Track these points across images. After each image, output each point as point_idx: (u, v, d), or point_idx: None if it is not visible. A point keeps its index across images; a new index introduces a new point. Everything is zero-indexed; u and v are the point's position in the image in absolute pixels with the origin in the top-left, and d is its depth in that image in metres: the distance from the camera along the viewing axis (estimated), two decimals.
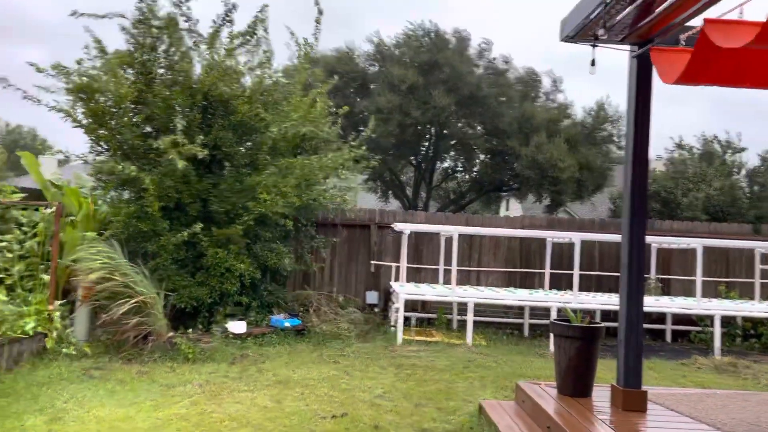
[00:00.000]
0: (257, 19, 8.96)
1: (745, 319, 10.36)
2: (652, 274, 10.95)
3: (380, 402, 5.90)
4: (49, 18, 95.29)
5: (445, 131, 23.25)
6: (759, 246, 10.42)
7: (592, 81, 14.43)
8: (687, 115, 79.00)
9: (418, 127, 22.43)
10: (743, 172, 27.12)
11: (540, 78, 24.42)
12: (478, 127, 23.69)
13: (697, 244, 9.79)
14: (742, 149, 27.83)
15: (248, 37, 8.93)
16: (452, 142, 24.04)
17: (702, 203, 21.65)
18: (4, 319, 6.24)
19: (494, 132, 22.86)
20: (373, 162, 10.58)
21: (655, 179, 29.72)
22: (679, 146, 31.82)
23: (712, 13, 4.06)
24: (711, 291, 11.01)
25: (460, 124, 23.36)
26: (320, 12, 9.41)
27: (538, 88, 24.50)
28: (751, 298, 10.62)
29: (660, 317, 10.76)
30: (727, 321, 10.16)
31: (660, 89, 4.69)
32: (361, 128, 23.13)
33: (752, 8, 3.76)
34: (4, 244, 7.30)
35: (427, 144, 25.06)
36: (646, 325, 10.52)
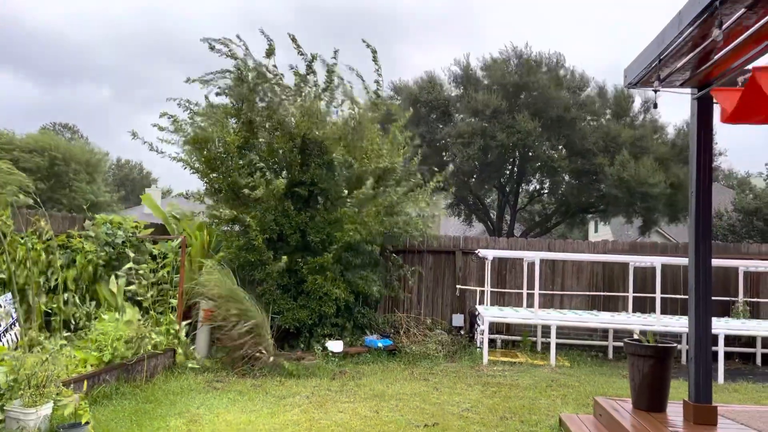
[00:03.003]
0: (331, 72, 9.70)
1: None
2: (740, 297, 10.89)
3: (468, 414, 6.50)
4: (108, 58, 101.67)
5: (530, 153, 23.42)
6: None
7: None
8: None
9: (502, 151, 22.76)
10: None
11: (632, 97, 24.06)
12: (563, 150, 23.71)
13: None
14: None
15: (328, 86, 9.80)
16: (537, 165, 24.15)
17: None
18: (144, 336, 7.36)
19: (580, 152, 22.83)
20: (450, 192, 11.18)
21: (757, 195, 28.51)
22: None
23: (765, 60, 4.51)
24: None
25: (544, 147, 23.47)
26: (375, 52, 10.05)
27: (627, 108, 24.14)
28: None
29: (750, 341, 10.67)
30: None
31: None
32: (444, 154, 23.84)
33: None
34: (141, 272, 8.52)
35: (510, 167, 25.30)
36: (735, 349, 10.54)
